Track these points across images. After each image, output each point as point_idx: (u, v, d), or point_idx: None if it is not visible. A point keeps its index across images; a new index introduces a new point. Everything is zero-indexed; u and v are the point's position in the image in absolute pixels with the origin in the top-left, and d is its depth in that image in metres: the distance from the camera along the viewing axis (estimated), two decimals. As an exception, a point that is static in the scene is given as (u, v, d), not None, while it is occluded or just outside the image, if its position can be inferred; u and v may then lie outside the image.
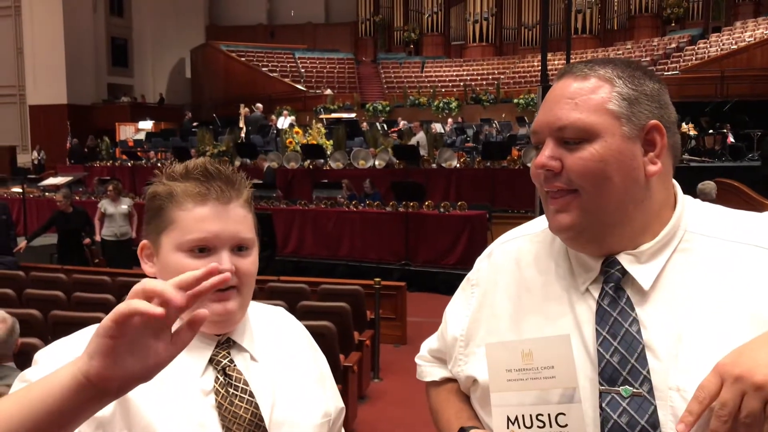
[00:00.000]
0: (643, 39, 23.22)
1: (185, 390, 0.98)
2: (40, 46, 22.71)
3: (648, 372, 0.89)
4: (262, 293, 5.31)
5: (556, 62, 20.30)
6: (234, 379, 1.01)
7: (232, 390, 1.00)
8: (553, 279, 1.02)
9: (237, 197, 1.03)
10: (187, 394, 0.98)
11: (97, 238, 8.28)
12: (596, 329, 0.93)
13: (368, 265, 8.85)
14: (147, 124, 21.09)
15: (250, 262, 1.03)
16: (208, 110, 22.58)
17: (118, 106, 23.89)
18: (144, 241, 1.06)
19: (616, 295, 0.94)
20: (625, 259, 0.95)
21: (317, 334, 4.19)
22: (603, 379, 0.91)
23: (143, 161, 14.89)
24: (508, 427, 0.92)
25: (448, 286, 8.34)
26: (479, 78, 23.67)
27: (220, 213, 1.00)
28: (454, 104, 20.56)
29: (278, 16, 28.68)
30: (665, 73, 19.31)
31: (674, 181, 1.02)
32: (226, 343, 1.04)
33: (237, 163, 13.01)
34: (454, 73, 24.65)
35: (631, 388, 0.89)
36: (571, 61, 14.03)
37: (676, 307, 0.92)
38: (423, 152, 11.95)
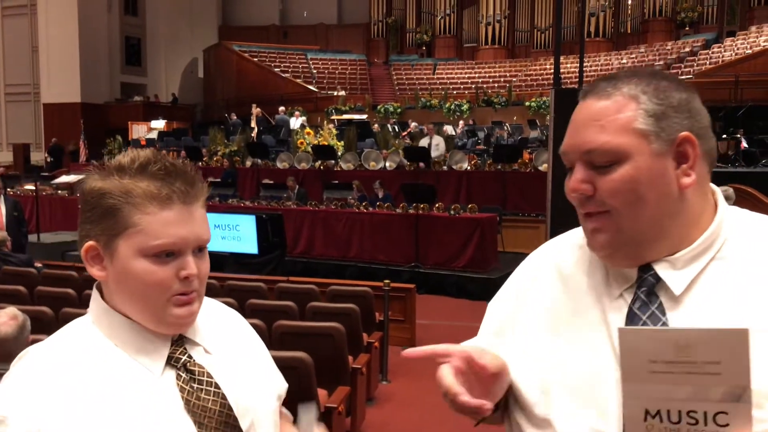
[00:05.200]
0: (657, 43, 23.06)
1: (147, 395, 0.95)
2: (54, 45, 22.88)
3: None
4: (272, 293, 5.32)
5: (568, 65, 20.21)
6: (197, 373, 1.00)
7: (196, 385, 0.98)
8: (589, 287, 1.01)
9: (199, 198, 1.00)
10: (150, 399, 0.95)
11: None
12: None
13: (378, 266, 8.84)
14: (159, 124, 21.20)
15: (208, 262, 1.02)
16: (220, 110, 22.68)
17: (131, 105, 24.02)
18: (90, 243, 0.98)
19: (647, 299, 0.94)
20: (660, 266, 0.95)
21: (326, 335, 4.16)
22: None
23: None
24: (645, 420, 0.85)
25: (458, 288, 8.34)
26: (491, 80, 23.60)
27: (185, 216, 0.97)
28: (465, 106, 20.52)
29: (291, 16, 28.74)
30: (679, 78, 19.19)
31: (714, 187, 1.00)
32: (179, 341, 1.02)
33: (248, 163, 13.08)
34: (466, 76, 24.60)
35: None
36: (585, 65, 13.97)
37: (708, 314, 0.91)
38: (439, 155, 11.85)
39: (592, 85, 0.98)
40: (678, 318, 0.92)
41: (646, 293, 0.95)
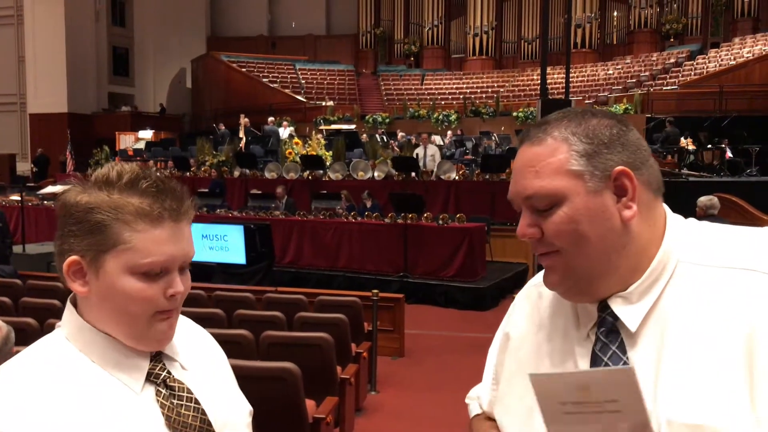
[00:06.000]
0: (642, 54, 23.32)
1: (127, 411, 0.95)
2: (41, 55, 22.76)
3: None
4: (260, 304, 5.29)
5: (555, 76, 20.39)
6: (176, 389, 1.00)
7: (176, 401, 0.99)
8: (564, 327, 1.04)
9: (187, 215, 0.99)
10: (131, 415, 0.95)
11: None
12: None
13: (366, 276, 8.83)
14: (147, 134, 21.12)
15: (189, 278, 1.02)
16: (208, 120, 22.63)
17: (118, 115, 23.91)
18: (74, 257, 0.94)
19: (607, 340, 0.96)
20: (615, 302, 0.96)
21: (314, 346, 4.14)
22: None
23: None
24: None
25: (447, 298, 8.34)
26: (479, 91, 23.75)
27: (175, 234, 0.96)
28: (453, 117, 20.60)
29: (279, 27, 28.80)
30: (664, 88, 19.38)
31: (666, 209, 1.00)
32: (157, 357, 1.02)
33: (236, 173, 13.04)
34: (454, 86, 24.74)
35: None
36: (571, 75, 14.10)
37: (663, 347, 0.91)
38: (433, 166, 11.84)
39: (525, 132, 1.01)
40: (638, 354, 0.93)
41: (606, 333, 0.96)
